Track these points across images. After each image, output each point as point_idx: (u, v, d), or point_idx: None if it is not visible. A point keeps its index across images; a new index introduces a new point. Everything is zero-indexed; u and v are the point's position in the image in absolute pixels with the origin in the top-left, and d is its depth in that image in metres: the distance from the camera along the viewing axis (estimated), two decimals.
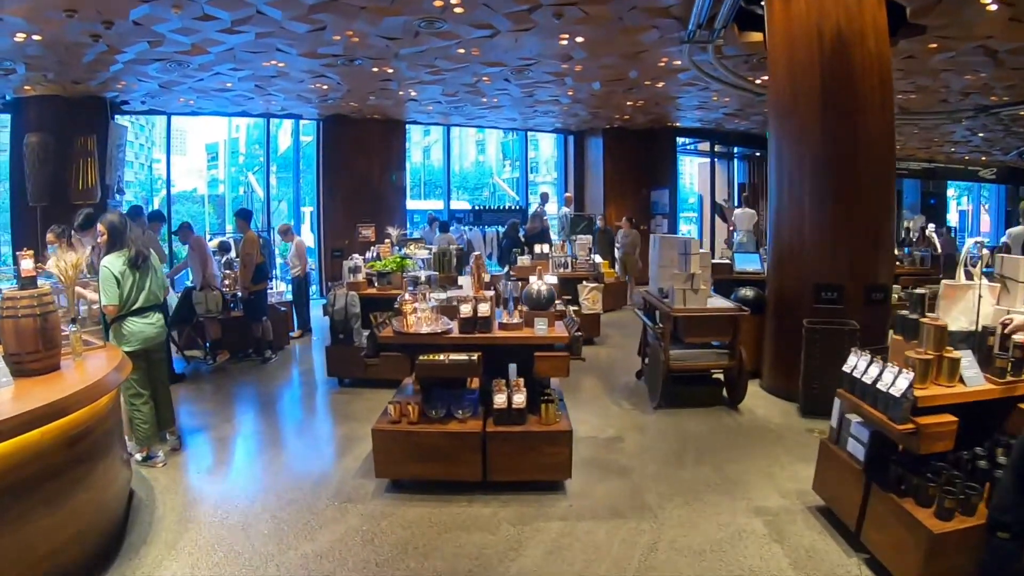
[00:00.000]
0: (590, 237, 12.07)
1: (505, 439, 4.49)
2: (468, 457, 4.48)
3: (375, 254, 9.22)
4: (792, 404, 6.63)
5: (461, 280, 7.60)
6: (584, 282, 9.90)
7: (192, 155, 28.15)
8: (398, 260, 7.68)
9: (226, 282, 9.31)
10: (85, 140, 11.16)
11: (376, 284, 7.61)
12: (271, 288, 11.05)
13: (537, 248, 10.57)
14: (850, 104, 6.35)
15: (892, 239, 7.13)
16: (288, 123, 16.39)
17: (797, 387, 6.47)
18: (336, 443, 6.03)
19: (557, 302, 9.93)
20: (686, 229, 20.60)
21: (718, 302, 6.77)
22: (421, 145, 26.50)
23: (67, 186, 11.04)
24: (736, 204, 19.05)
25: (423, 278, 6.39)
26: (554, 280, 9.62)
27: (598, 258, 10.99)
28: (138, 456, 5.08)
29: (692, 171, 23.35)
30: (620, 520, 4.27)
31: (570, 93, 12.20)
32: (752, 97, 11.79)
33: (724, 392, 6.78)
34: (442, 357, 4.52)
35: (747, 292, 7.48)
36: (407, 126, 15.70)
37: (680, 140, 17.91)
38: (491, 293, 5.10)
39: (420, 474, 4.59)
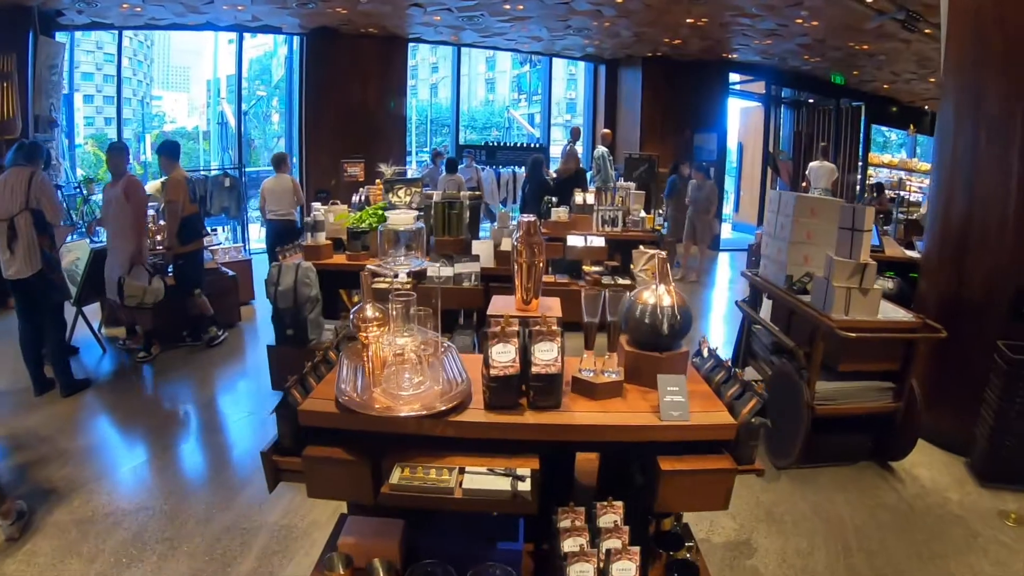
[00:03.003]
0: (633, 187, 9.28)
1: None
2: None
3: (362, 198, 6.81)
4: (958, 459, 4.53)
5: (477, 246, 5.10)
6: (641, 246, 7.31)
7: (196, 92, 26.44)
8: (376, 212, 5.20)
9: (158, 238, 6.88)
10: (2, 60, 8.65)
11: (346, 248, 5.18)
12: (218, 246, 8.78)
13: (579, 197, 7.89)
14: None
15: None
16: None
17: (970, 435, 4.34)
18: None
19: (596, 268, 7.66)
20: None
21: (887, 309, 4.34)
22: (428, 83, 24.67)
23: None
24: (790, 155, 16.59)
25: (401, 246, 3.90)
26: (600, 242, 7.32)
27: (642, 212, 8.32)
28: None
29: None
30: None
31: (619, 0, 9.53)
32: (855, 15, 9.14)
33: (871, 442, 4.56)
34: (445, 475, 1.94)
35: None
36: (408, 44, 13.03)
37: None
38: (554, 312, 2.59)
39: None
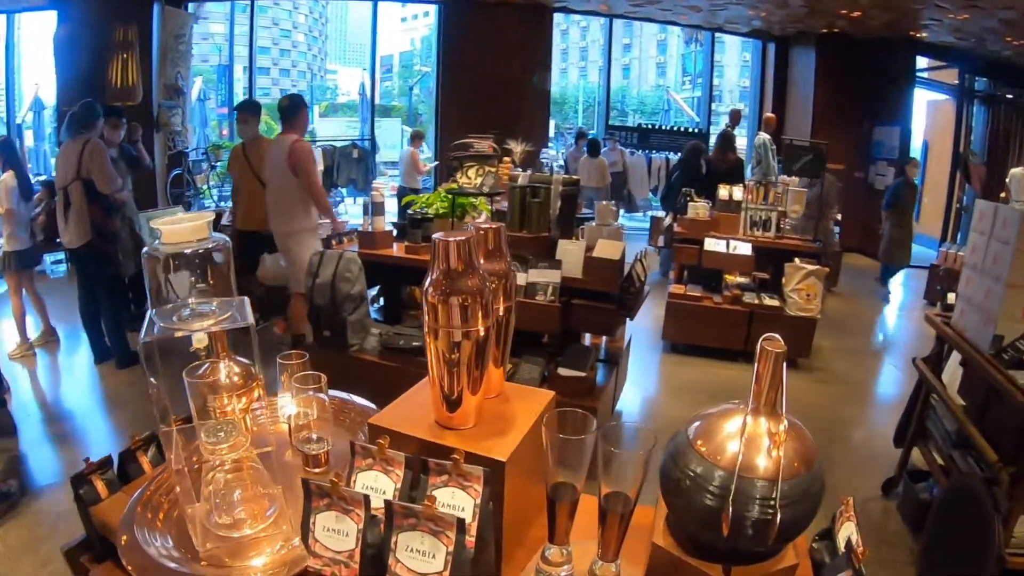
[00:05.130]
0: (807, 185, 7.80)
1: None
2: None
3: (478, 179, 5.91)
4: None
5: (564, 249, 3.92)
6: (796, 259, 5.94)
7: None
8: (445, 195, 4.22)
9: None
10: (124, 31, 8.80)
11: (407, 238, 4.24)
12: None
13: (723, 191, 6.52)
14: None
15: None
16: None
17: None
18: None
19: (743, 280, 6.31)
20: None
21: None
22: (577, 66, 23.57)
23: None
24: (983, 159, 14.24)
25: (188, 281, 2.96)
26: (747, 249, 5.55)
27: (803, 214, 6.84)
28: None
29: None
30: None
31: None
32: None
33: None
34: None
35: None
36: (554, 14, 11.99)
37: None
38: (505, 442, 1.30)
39: None
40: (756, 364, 1.10)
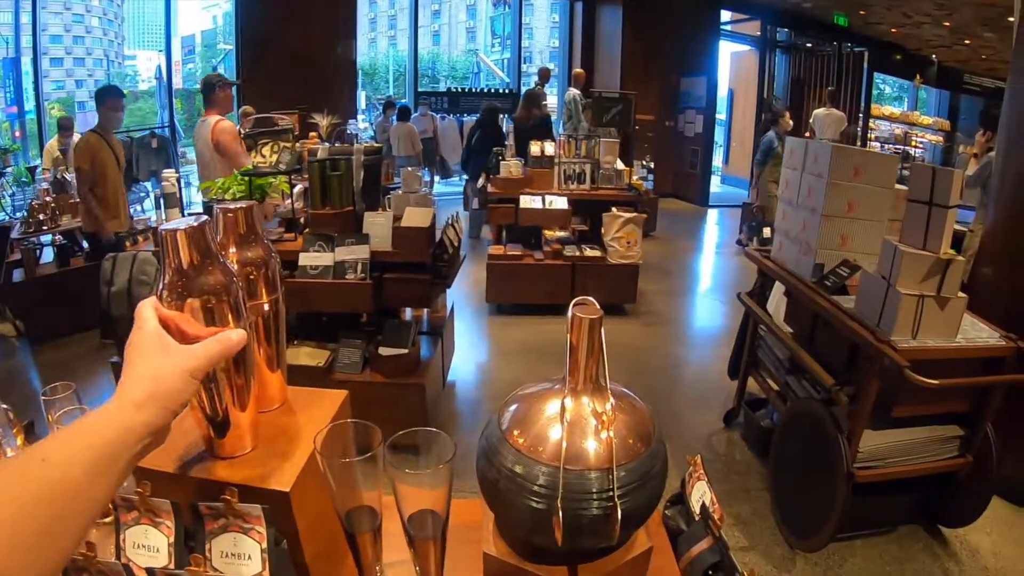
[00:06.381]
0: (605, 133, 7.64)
1: None
2: None
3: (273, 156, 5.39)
4: None
5: (371, 222, 3.61)
6: (614, 208, 5.89)
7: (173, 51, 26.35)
8: (241, 179, 3.70)
9: None
10: None
11: None
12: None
13: (535, 147, 6.36)
14: None
15: None
16: None
17: None
18: None
19: (562, 234, 6.22)
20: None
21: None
22: (387, 35, 23.18)
23: None
24: (786, 103, 15.09)
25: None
26: (563, 203, 5.74)
27: (620, 164, 6.78)
28: None
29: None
30: None
31: None
32: None
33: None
34: None
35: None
36: None
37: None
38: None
39: None
40: (568, 335, 0.89)
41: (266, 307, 1.07)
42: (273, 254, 1.08)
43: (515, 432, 0.90)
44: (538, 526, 0.85)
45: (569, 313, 0.87)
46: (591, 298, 0.89)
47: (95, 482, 0.58)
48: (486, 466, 0.91)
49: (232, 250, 1.02)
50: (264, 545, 0.89)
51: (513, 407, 0.94)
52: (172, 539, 0.93)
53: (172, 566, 0.90)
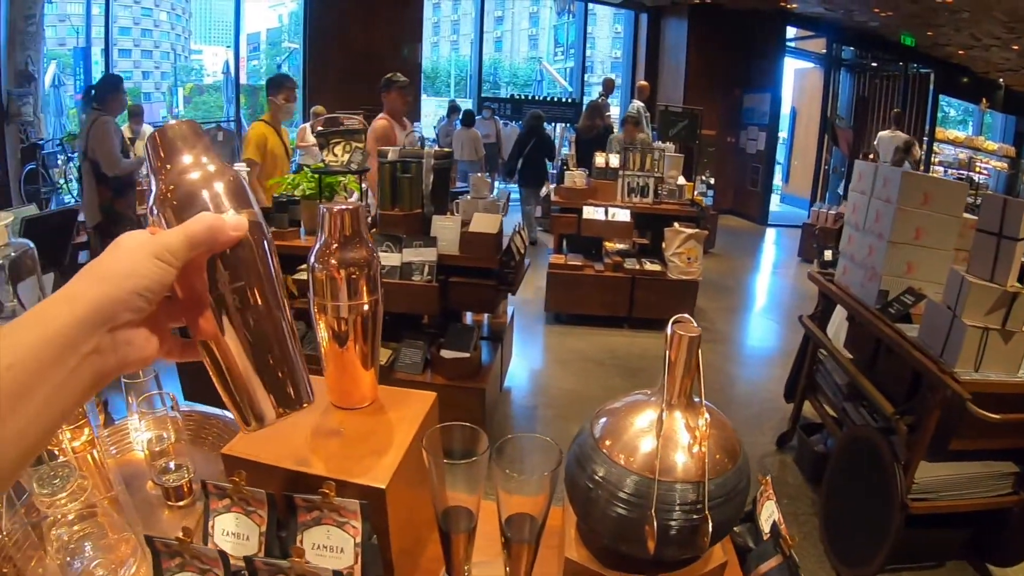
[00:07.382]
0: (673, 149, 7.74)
1: None
2: None
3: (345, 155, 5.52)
4: None
5: (439, 225, 3.66)
6: (676, 223, 5.91)
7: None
8: (310, 176, 3.84)
9: None
10: None
11: (272, 223, 3.79)
12: None
13: (599, 159, 6.43)
14: None
15: None
16: None
17: None
18: None
19: (622, 246, 6.27)
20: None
21: None
22: (449, 39, 23.39)
23: None
24: (850, 123, 14.88)
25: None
26: (626, 216, 5.84)
27: (682, 179, 6.79)
28: None
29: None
30: None
31: None
32: None
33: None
34: None
35: None
36: None
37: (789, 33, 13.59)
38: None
39: None
40: (667, 351, 0.90)
41: (366, 307, 1.13)
42: (376, 255, 1.14)
43: (607, 441, 0.92)
44: (625, 534, 0.88)
45: (668, 330, 0.88)
46: (690, 317, 0.93)
47: (40, 373, 0.48)
48: (577, 472, 0.93)
49: (334, 247, 1.06)
50: (358, 539, 0.92)
51: (604, 419, 0.97)
52: (264, 528, 0.96)
53: (262, 554, 0.94)
